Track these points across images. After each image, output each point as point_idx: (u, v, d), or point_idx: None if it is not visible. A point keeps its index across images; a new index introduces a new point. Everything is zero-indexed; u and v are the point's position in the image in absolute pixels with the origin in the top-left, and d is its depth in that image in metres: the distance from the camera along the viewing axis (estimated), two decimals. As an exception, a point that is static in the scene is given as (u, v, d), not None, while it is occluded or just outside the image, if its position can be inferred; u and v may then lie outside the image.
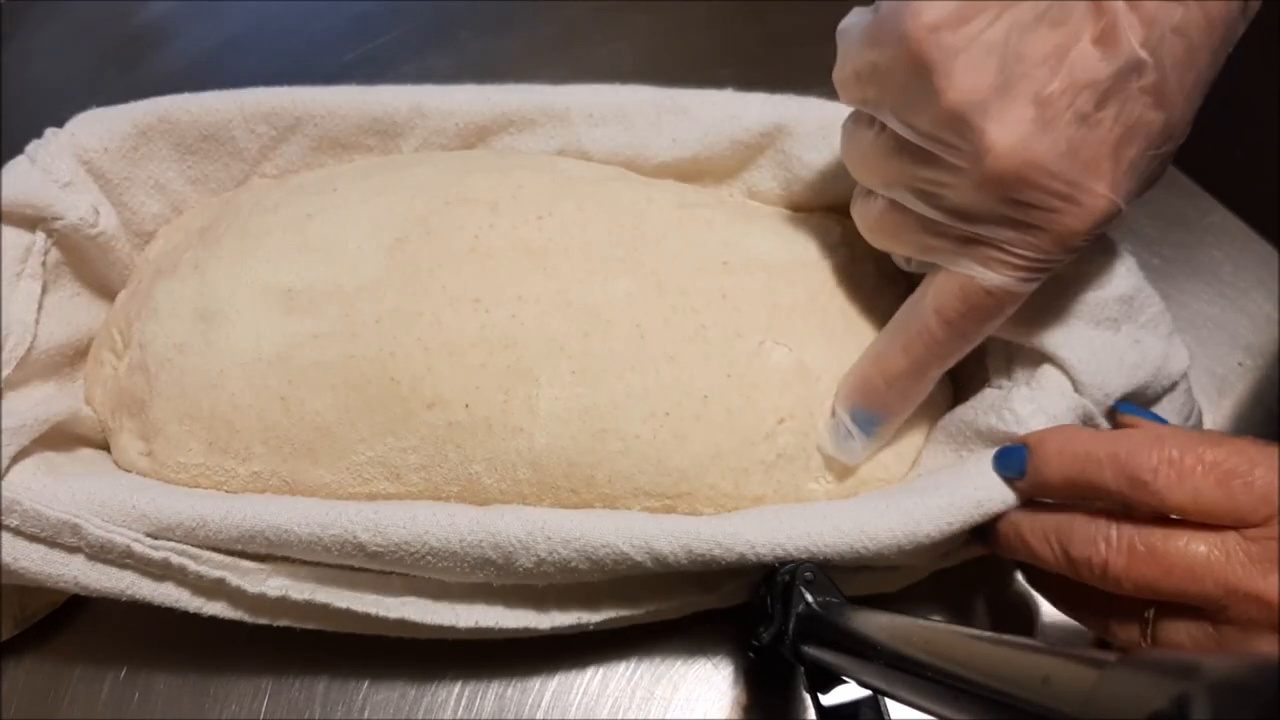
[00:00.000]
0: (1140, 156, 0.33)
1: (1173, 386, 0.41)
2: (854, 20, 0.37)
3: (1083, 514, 0.35)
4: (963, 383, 0.46)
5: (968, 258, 0.36)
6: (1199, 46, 0.32)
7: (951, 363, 0.40)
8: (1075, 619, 0.39)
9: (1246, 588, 0.31)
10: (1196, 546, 0.32)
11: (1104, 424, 0.40)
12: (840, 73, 0.38)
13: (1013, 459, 0.37)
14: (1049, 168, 0.32)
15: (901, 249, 0.39)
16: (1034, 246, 0.35)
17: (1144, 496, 0.33)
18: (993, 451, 0.38)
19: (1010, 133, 0.32)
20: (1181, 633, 0.34)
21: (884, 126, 0.36)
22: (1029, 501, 0.38)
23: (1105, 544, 0.34)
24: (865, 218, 0.40)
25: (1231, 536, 0.32)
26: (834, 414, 0.42)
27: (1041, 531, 0.36)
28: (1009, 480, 0.37)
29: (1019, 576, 0.46)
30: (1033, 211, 0.34)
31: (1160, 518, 0.34)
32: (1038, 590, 0.42)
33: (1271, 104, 0.53)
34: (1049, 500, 0.38)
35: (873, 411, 0.41)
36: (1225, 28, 0.32)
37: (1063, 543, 0.35)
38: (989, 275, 0.36)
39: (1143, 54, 0.31)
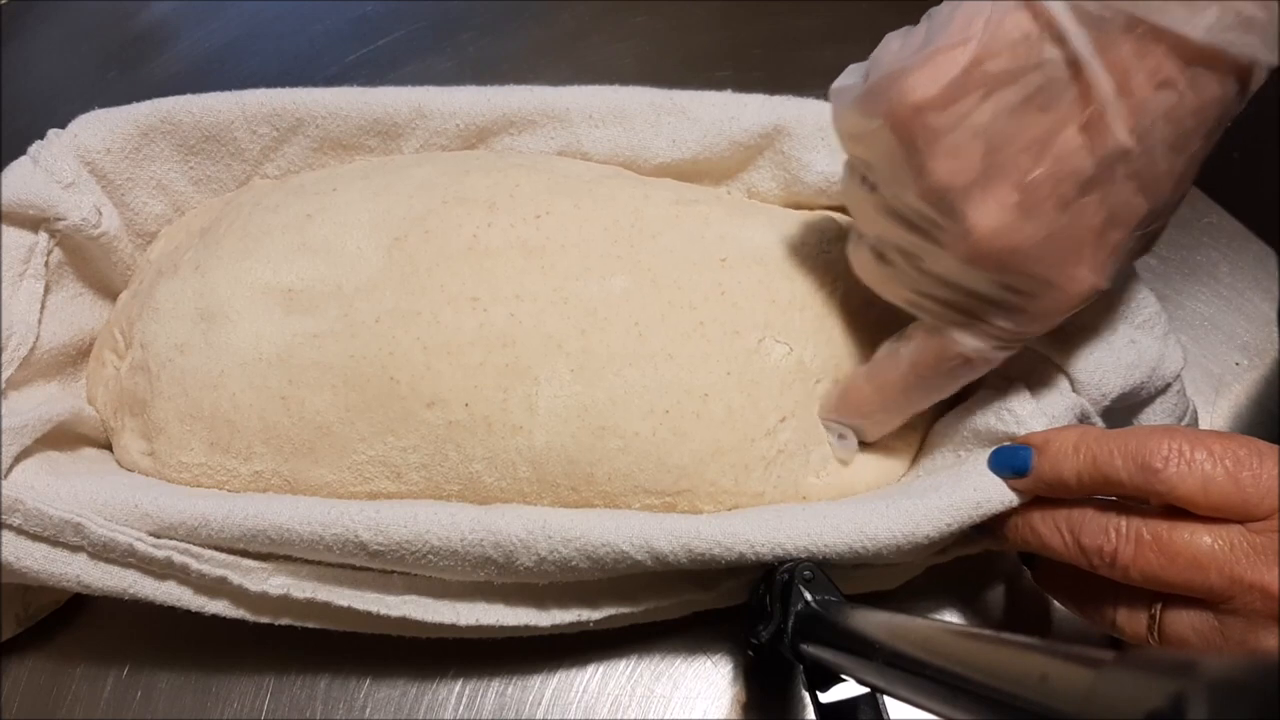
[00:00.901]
0: (1125, 239, 0.33)
1: (1166, 387, 0.42)
2: (846, 83, 0.36)
3: (1094, 506, 0.36)
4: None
5: (948, 322, 0.37)
6: (1191, 131, 0.31)
7: (924, 407, 0.41)
8: (1081, 615, 0.40)
9: (1250, 579, 0.32)
10: (1202, 537, 0.33)
11: (1100, 423, 0.40)
12: (836, 126, 0.38)
13: (1013, 458, 0.37)
14: (1030, 254, 0.33)
15: (889, 297, 0.40)
16: (1013, 322, 0.35)
17: (1155, 485, 0.33)
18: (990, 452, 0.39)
19: (992, 219, 0.32)
20: (1186, 625, 0.34)
21: (873, 188, 0.37)
22: (1035, 498, 0.38)
23: (1115, 533, 0.35)
24: (857, 259, 0.41)
25: (1236, 529, 0.33)
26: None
27: (1052, 521, 0.37)
28: (1009, 479, 0.37)
29: (1018, 575, 0.46)
30: (1013, 293, 0.34)
31: (1169, 512, 0.34)
32: (1044, 587, 0.42)
33: (1270, 105, 0.53)
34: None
35: (849, 428, 0.42)
36: (1220, 110, 0.31)
37: (1074, 531, 0.36)
38: (967, 340, 0.37)
39: (1129, 142, 0.31)
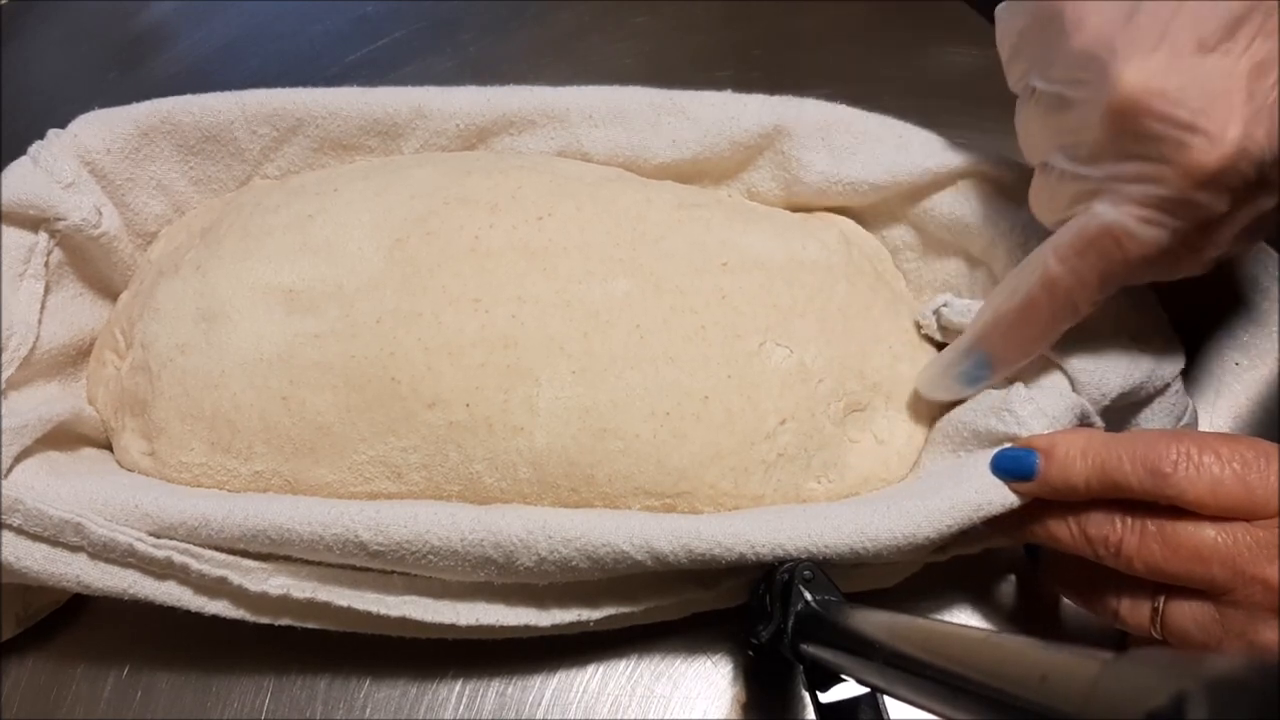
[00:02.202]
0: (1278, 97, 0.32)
1: (1166, 387, 0.42)
2: (1006, 1, 0.38)
3: (1100, 503, 0.36)
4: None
5: (1095, 199, 0.35)
6: None
7: (1065, 317, 0.38)
8: (1084, 606, 0.40)
9: (1253, 572, 0.32)
10: (1205, 530, 0.33)
11: (1100, 423, 0.40)
12: (1004, 57, 0.38)
13: (1018, 464, 0.37)
14: (1172, 96, 0.32)
15: (1050, 214, 0.38)
16: (1158, 181, 0.33)
17: (1165, 489, 0.34)
18: (992, 453, 0.39)
19: (1134, 64, 0.32)
20: (1188, 616, 0.35)
21: (1035, 94, 0.37)
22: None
23: (1120, 523, 0.35)
24: (1032, 194, 0.39)
25: (1239, 524, 0.33)
26: (943, 357, 0.42)
27: (1059, 513, 0.37)
28: (1013, 483, 0.37)
29: (1019, 575, 0.46)
30: (1160, 144, 0.33)
31: (1175, 509, 0.34)
32: (1046, 579, 0.42)
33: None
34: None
35: (982, 352, 0.40)
36: None
37: (1079, 522, 0.36)
38: (1108, 210, 0.34)
39: None
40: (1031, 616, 0.46)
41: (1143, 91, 0.32)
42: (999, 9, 0.38)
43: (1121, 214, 0.34)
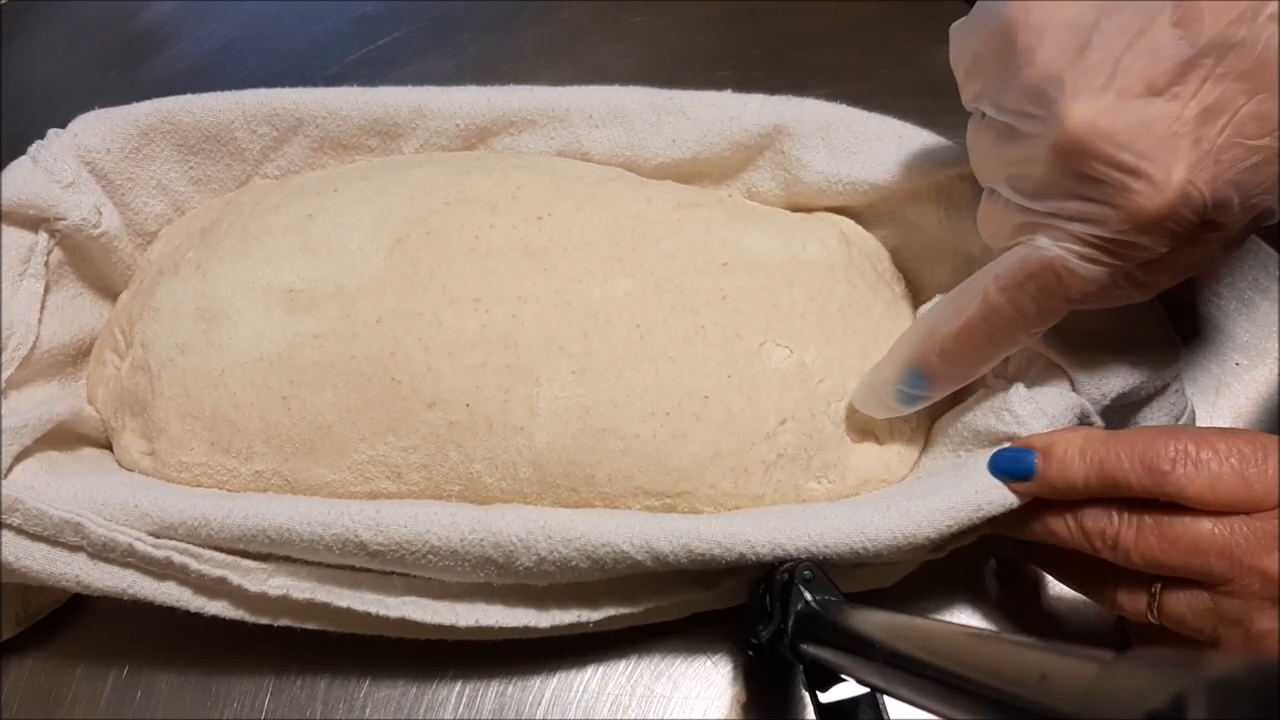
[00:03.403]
0: (1227, 143, 0.32)
1: (1165, 387, 0.42)
2: (961, 20, 0.38)
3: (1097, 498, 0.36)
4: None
5: (1039, 233, 0.35)
6: None
7: (1004, 344, 0.38)
8: (1082, 593, 0.40)
9: (1250, 563, 0.33)
10: (1202, 522, 0.34)
11: (1099, 422, 0.40)
12: (958, 76, 0.38)
13: (1016, 464, 0.37)
14: (1118, 139, 0.32)
15: (994, 238, 0.38)
16: (1100, 223, 0.33)
17: (1164, 487, 0.34)
18: (991, 453, 0.39)
19: (1082, 103, 0.32)
20: (1185, 605, 0.35)
21: (985, 119, 0.37)
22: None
23: (1117, 516, 0.36)
24: (978, 216, 0.39)
25: (1237, 516, 0.33)
26: (879, 373, 0.41)
27: (1057, 509, 0.37)
28: (1012, 483, 0.37)
29: (1018, 574, 0.47)
30: (1103, 186, 0.33)
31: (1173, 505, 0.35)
32: (1042, 567, 0.42)
33: (1269, 105, 0.53)
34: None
35: (919, 372, 0.40)
36: None
37: (1077, 516, 0.37)
38: (1050, 245, 0.35)
39: (1224, 34, 0.30)
40: (1042, 608, 0.46)
41: (1089, 132, 0.32)
42: (953, 28, 0.38)
43: (1063, 250, 0.34)
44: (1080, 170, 0.33)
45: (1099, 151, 0.32)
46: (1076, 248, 0.34)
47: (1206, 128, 0.31)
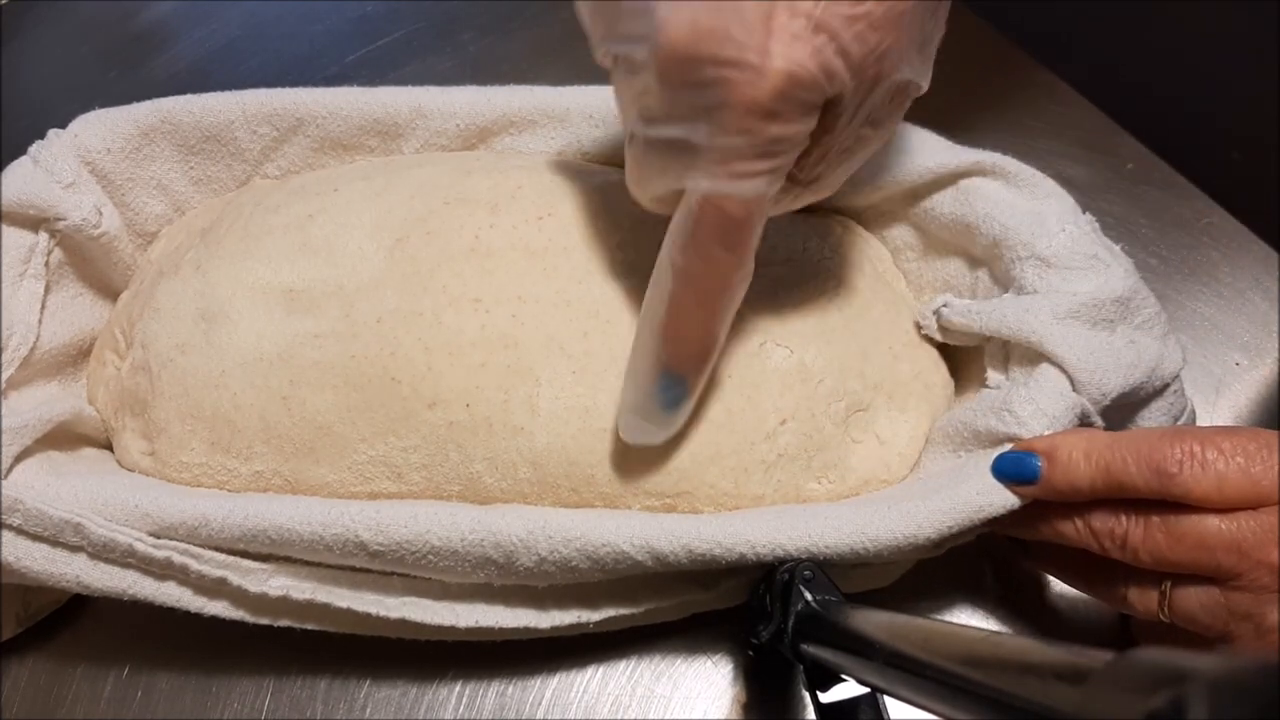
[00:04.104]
0: (826, 13, 0.30)
1: (1165, 387, 0.42)
2: None
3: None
4: (962, 383, 0.46)
5: (680, 170, 0.33)
6: None
7: (720, 298, 0.36)
8: (1091, 594, 0.40)
9: (1259, 556, 0.33)
10: (1209, 519, 0.34)
11: (1100, 423, 0.40)
12: (584, 26, 0.36)
13: (1020, 467, 0.37)
14: (716, 34, 0.30)
15: (643, 191, 0.36)
16: (723, 131, 0.31)
17: (1171, 488, 0.34)
18: (992, 454, 0.39)
19: (676, 7, 0.30)
20: (1195, 601, 0.35)
21: (616, 61, 0.35)
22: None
23: (1124, 517, 0.35)
24: (626, 171, 0.37)
25: (1243, 512, 0.33)
26: (633, 396, 0.38)
27: (1063, 510, 0.37)
28: (1016, 487, 0.37)
29: (1018, 573, 0.46)
30: (711, 90, 0.31)
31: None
32: (1050, 569, 0.42)
33: (1270, 104, 0.53)
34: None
35: (665, 372, 0.37)
36: None
37: (1084, 518, 0.36)
38: (699, 181, 0.33)
39: None
40: (1042, 608, 0.46)
41: (689, 35, 0.30)
42: None
43: (711, 181, 0.32)
44: (688, 79, 0.31)
45: (701, 54, 0.30)
46: (721, 169, 0.32)
47: (802, 1, 0.30)
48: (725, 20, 0.30)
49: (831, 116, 0.32)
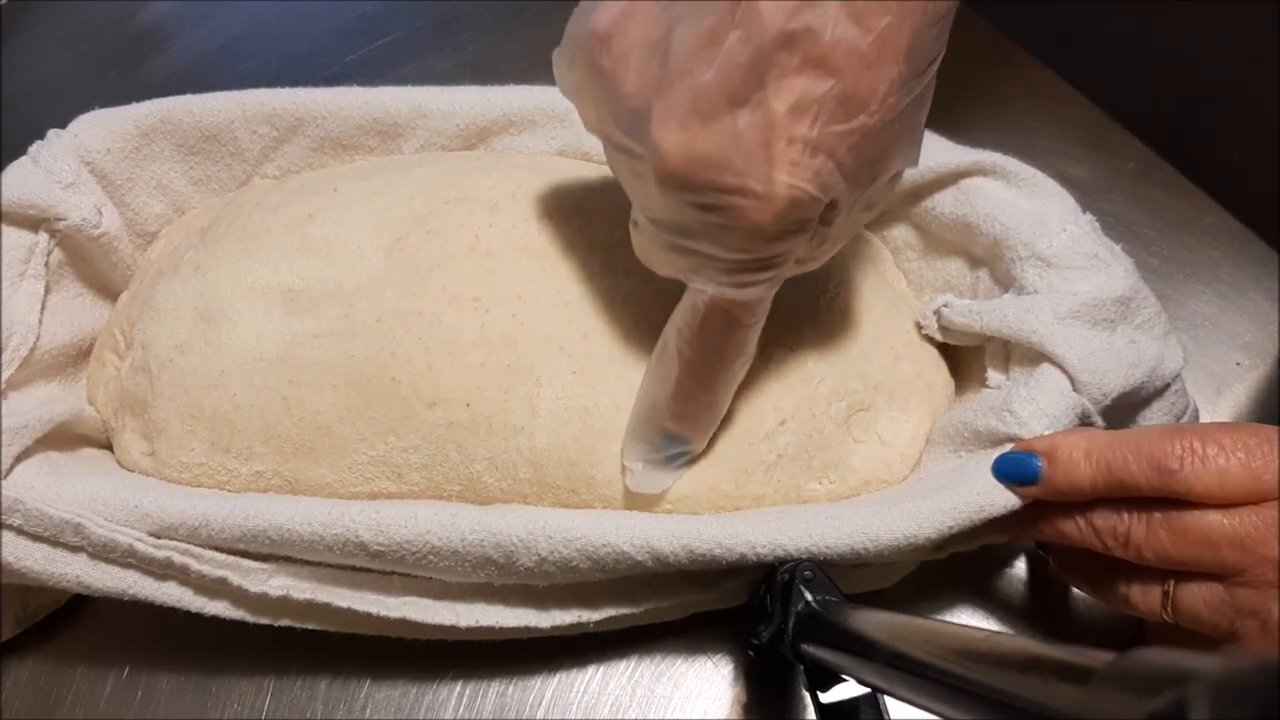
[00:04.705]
0: (822, 135, 0.30)
1: (1166, 387, 0.42)
2: (558, 49, 0.36)
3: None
4: (962, 382, 0.46)
5: (687, 270, 0.35)
6: (870, 9, 0.29)
7: (722, 379, 0.38)
8: (1095, 595, 0.40)
9: (1263, 551, 0.33)
10: (1212, 515, 0.34)
11: (1100, 423, 0.40)
12: (571, 101, 0.36)
13: (1020, 468, 0.37)
14: (715, 162, 0.30)
15: (655, 268, 0.37)
16: (730, 248, 0.32)
17: (1173, 485, 0.34)
18: (993, 454, 0.38)
19: (672, 134, 0.31)
20: (1199, 599, 0.35)
21: (609, 141, 0.35)
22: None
23: (1127, 514, 0.35)
24: (634, 243, 0.38)
25: (1245, 507, 0.33)
26: (641, 455, 0.40)
27: (1065, 509, 0.37)
28: (1016, 488, 0.37)
29: (1019, 573, 0.46)
30: (716, 212, 0.31)
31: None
32: (1059, 571, 0.42)
33: (1271, 104, 0.53)
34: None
35: (669, 436, 0.39)
36: None
37: (1086, 517, 0.36)
38: (705, 286, 0.34)
39: (790, 26, 0.29)
40: (1042, 607, 0.46)
41: (686, 163, 0.31)
42: (554, 56, 0.36)
43: (718, 288, 0.34)
44: (693, 200, 0.31)
45: (701, 180, 0.31)
46: (727, 279, 0.34)
47: (798, 124, 0.30)
48: (725, 148, 0.30)
49: (829, 213, 0.33)
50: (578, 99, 0.35)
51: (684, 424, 0.38)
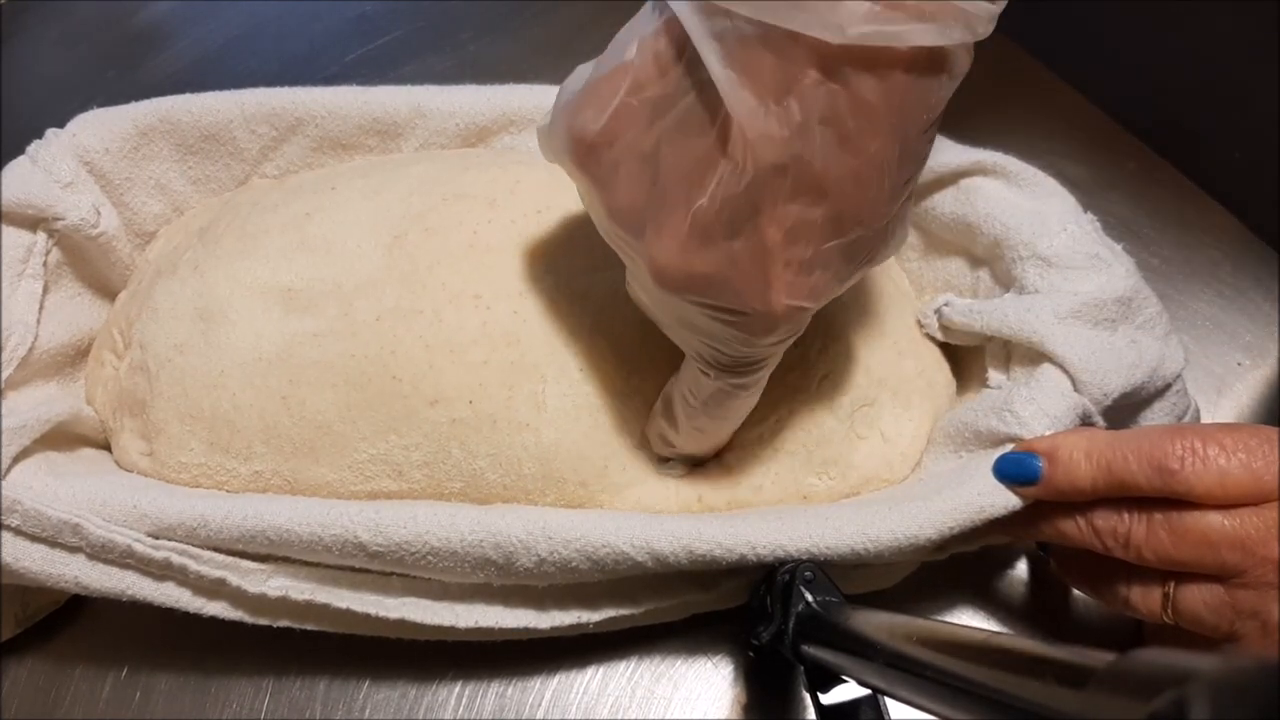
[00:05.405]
0: (814, 255, 0.31)
1: (1167, 387, 0.41)
2: (540, 128, 0.35)
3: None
4: (963, 383, 0.46)
5: (688, 347, 0.36)
6: (860, 131, 0.29)
7: (736, 420, 0.39)
8: (1095, 596, 0.40)
9: (1263, 552, 0.33)
10: (1212, 516, 0.34)
11: (1101, 423, 0.40)
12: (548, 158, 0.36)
13: (1021, 468, 0.37)
14: (713, 281, 0.31)
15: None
16: (728, 346, 0.33)
17: (1174, 485, 0.34)
18: (994, 454, 0.38)
19: (669, 248, 0.31)
20: (1199, 600, 0.35)
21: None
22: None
23: (1127, 515, 0.35)
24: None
25: (1246, 508, 0.33)
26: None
27: (1065, 510, 0.37)
28: (1017, 488, 0.37)
29: (1019, 574, 0.46)
30: (713, 315, 0.32)
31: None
32: (1061, 572, 0.42)
33: (1271, 104, 0.53)
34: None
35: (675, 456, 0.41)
36: (899, 100, 0.29)
37: (1087, 518, 0.36)
38: (706, 369, 0.35)
39: (781, 160, 0.28)
40: (1042, 607, 0.46)
41: (685, 278, 0.31)
42: (539, 130, 0.35)
43: (719, 375, 0.35)
44: (689, 301, 0.32)
45: (700, 291, 0.31)
46: (723, 369, 0.35)
47: (793, 248, 0.30)
48: (722, 270, 0.31)
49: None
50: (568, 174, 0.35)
51: (695, 454, 0.41)
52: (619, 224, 0.32)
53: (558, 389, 0.40)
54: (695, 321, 0.33)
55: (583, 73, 0.33)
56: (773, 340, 0.33)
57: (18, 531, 0.38)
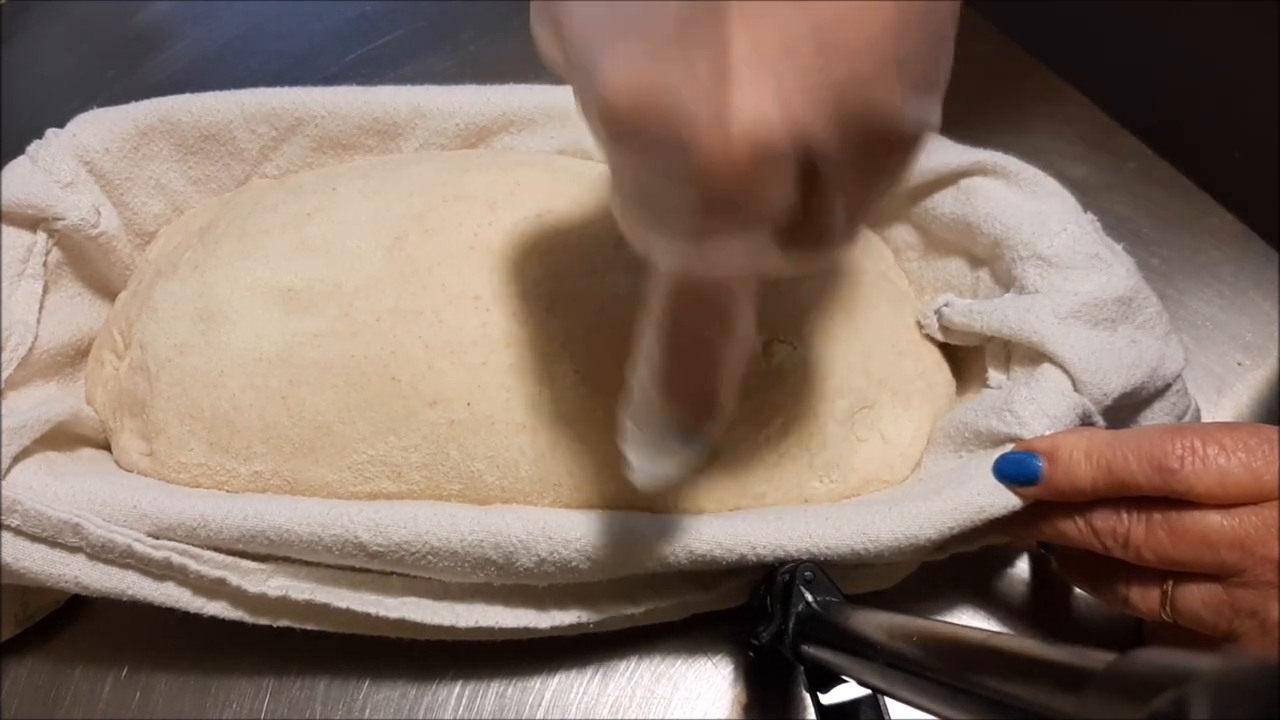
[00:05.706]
0: (793, 62, 0.23)
1: (1167, 387, 0.42)
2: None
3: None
4: (963, 383, 0.46)
5: (646, 238, 0.28)
6: None
7: (718, 367, 0.31)
8: (1095, 595, 0.40)
9: (1262, 552, 0.33)
10: (1211, 515, 0.34)
11: (1101, 423, 0.40)
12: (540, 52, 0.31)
13: (1021, 468, 0.37)
14: (661, 95, 0.23)
15: (633, 240, 0.30)
16: (679, 198, 0.25)
17: (1174, 485, 0.34)
18: (994, 454, 0.38)
19: (617, 60, 0.24)
20: (1197, 599, 0.35)
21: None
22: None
23: (1126, 515, 0.35)
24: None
25: (1245, 508, 0.33)
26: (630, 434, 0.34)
27: (1064, 509, 0.37)
28: (1017, 488, 0.37)
29: (1019, 574, 0.46)
30: (665, 153, 0.24)
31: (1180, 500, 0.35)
32: (1061, 571, 0.42)
33: (1271, 104, 0.53)
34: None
35: (677, 431, 0.33)
36: None
37: (1086, 518, 0.36)
38: (665, 258, 0.28)
39: None
40: (1042, 607, 0.46)
41: (627, 90, 0.24)
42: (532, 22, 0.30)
43: (681, 259, 0.28)
44: (636, 138, 0.25)
45: (643, 106, 0.24)
46: (686, 245, 0.27)
47: (764, 49, 0.23)
48: (674, 80, 0.23)
49: (814, 180, 0.25)
50: (558, 73, 0.30)
51: (680, 411, 0.32)
52: (576, 69, 0.26)
53: (556, 391, 0.40)
54: (651, 188, 0.26)
55: None
56: (736, 184, 0.24)
57: (18, 531, 0.38)
